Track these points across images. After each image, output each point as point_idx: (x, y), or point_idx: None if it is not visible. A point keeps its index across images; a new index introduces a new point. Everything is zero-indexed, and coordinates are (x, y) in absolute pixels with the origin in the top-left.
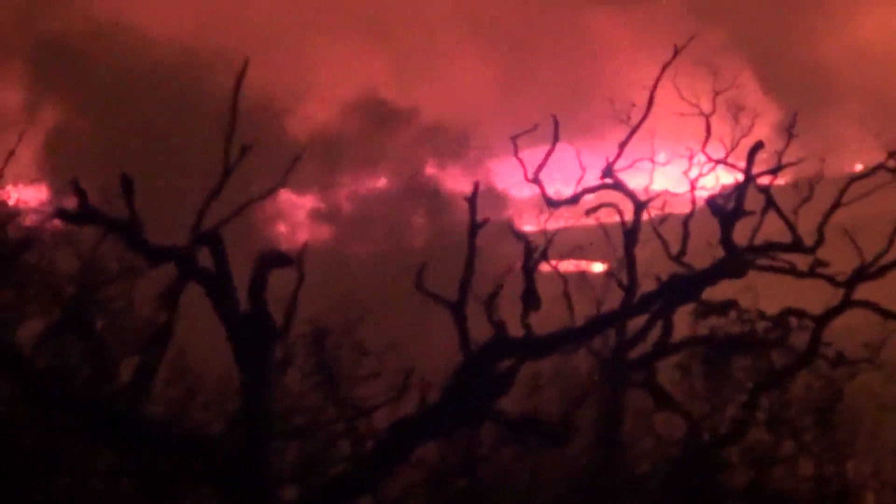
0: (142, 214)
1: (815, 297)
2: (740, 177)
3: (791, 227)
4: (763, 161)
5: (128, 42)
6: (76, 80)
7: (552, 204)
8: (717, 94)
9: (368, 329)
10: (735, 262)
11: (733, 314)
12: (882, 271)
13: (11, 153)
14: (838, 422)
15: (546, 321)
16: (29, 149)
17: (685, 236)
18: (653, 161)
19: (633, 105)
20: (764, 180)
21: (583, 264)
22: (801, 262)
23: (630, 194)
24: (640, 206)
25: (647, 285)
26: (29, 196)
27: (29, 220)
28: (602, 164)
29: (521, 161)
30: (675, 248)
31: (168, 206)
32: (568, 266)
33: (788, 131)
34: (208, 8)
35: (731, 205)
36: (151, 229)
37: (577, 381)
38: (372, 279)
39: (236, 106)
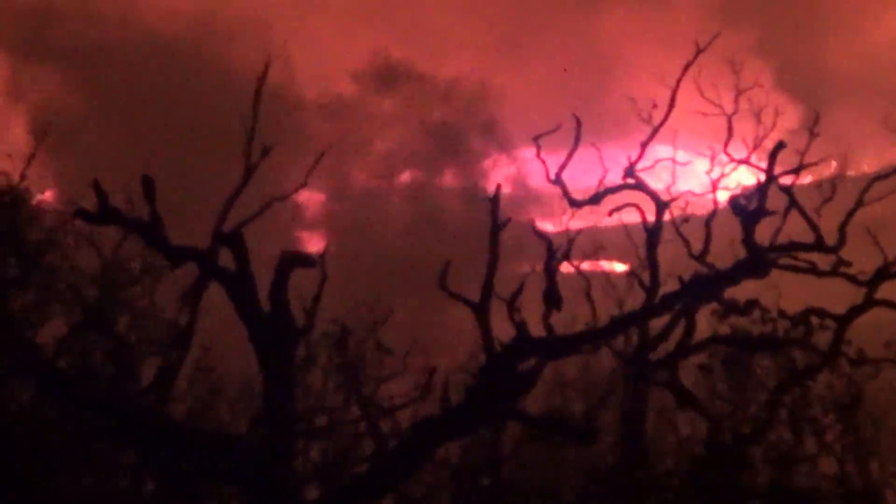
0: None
1: (837, 296)
2: (762, 177)
3: (813, 226)
4: (785, 161)
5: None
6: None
7: (574, 204)
8: (739, 93)
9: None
10: (757, 261)
11: (755, 314)
12: None
13: (32, 156)
14: (861, 420)
15: (568, 321)
16: (49, 147)
17: (707, 236)
18: (675, 161)
19: (655, 105)
20: (786, 180)
21: (605, 264)
22: (824, 261)
23: (652, 194)
24: (662, 206)
25: (669, 285)
26: (51, 196)
27: (51, 221)
28: (624, 164)
29: (543, 161)
30: (697, 248)
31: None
32: (590, 266)
33: (810, 131)
34: None
35: (753, 205)
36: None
37: (600, 380)
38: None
39: (258, 107)
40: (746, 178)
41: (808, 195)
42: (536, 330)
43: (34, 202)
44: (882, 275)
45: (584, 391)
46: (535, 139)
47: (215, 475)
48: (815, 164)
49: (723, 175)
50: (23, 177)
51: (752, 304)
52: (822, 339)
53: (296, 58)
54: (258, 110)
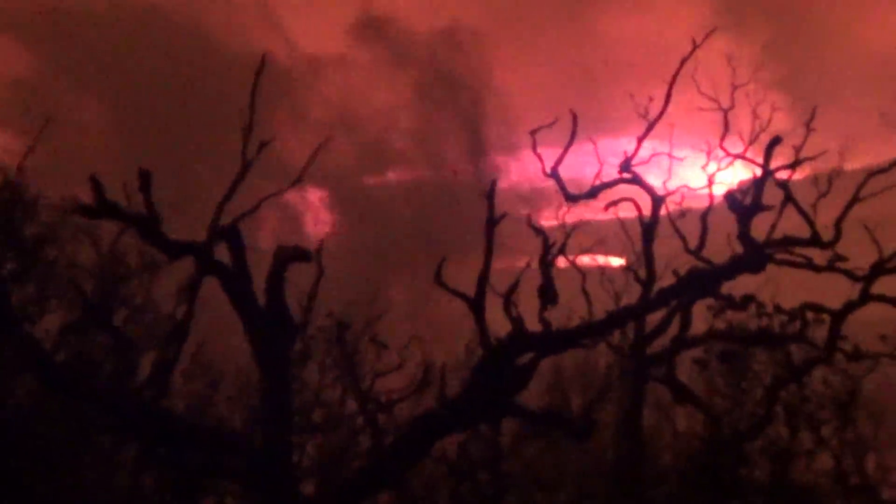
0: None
1: (834, 291)
2: (758, 172)
3: (809, 221)
4: (781, 156)
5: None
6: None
7: (570, 198)
8: (735, 89)
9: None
10: (753, 256)
11: (751, 309)
12: None
13: (31, 148)
14: (858, 416)
15: (565, 316)
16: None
17: (703, 231)
18: (671, 156)
19: (651, 100)
20: (782, 175)
21: (601, 259)
22: (820, 256)
23: (648, 189)
24: (658, 201)
25: (665, 280)
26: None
27: (49, 215)
28: (620, 159)
29: (539, 156)
30: (693, 243)
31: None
32: (586, 261)
33: (807, 126)
34: None
35: (749, 200)
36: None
37: (598, 375)
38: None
39: (255, 102)
40: (743, 173)
41: (805, 190)
42: (533, 325)
43: (32, 196)
44: (878, 270)
45: (582, 386)
46: (532, 133)
47: (214, 470)
48: (812, 158)
49: (719, 170)
50: (20, 170)
51: (748, 299)
52: (819, 334)
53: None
54: (255, 107)
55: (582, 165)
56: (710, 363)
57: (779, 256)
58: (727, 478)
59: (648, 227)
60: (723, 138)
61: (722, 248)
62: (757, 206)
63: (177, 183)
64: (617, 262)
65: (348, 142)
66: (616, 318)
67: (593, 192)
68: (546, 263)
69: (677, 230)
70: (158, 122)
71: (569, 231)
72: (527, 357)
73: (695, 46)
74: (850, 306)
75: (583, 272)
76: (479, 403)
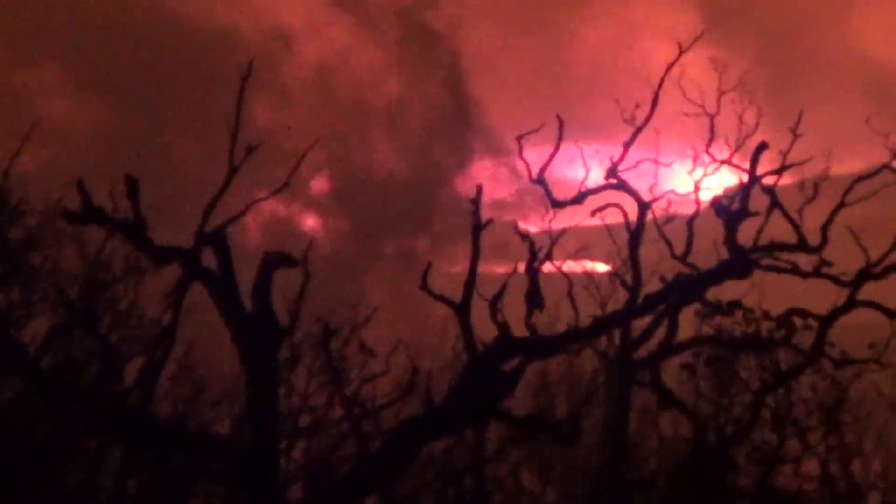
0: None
1: (820, 297)
2: (745, 177)
3: (796, 227)
4: (768, 161)
5: None
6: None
7: (556, 204)
8: (721, 94)
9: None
10: (740, 262)
11: (738, 314)
12: (887, 271)
13: (17, 153)
14: (844, 422)
15: (552, 322)
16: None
17: (690, 237)
18: (657, 161)
19: (638, 105)
20: (769, 180)
21: (588, 265)
22: (807, 262)
23: (634, 195)
24: (644, 207)
25: (651, 286)
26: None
27: (34, 220)
28: (607, 165)
29: (525, 161)
30: (679, 249)
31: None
32: (573, 266)
33: (793, 131)
34: None
35: (735, 205)
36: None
37: (584, 381)
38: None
39: (241, 107)
40: (729, 178)
41: (791, 196)
42: (519, 330)
43: (17, 200)
44: (864, 275)
45: (568, 391)
46: (518, 139)
47: (200, 474)
48: (798, 164)
49: (705, 176)
50: (6, 174)
51: (734, 304)
52: (807, 339)
53: None
54: (241, 113)
55: (570, 171)
56: (697, 369)
57: (765, 262)
58: (713, 483)
59: (635, 233)
60: (709, 144)
61: (708, 253)
62: (743, 212)
63: (166, 185)
64: (603, 267)
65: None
66: (602, 324)
67: (580, 198)
68: (532, 269)
69: (664, 236)
70: (125, 99)
71: (555, 237)
72: (513, 362)
73: (681, 52)
74: (836, 312)
75: (569, 278)
76: (465, 409)
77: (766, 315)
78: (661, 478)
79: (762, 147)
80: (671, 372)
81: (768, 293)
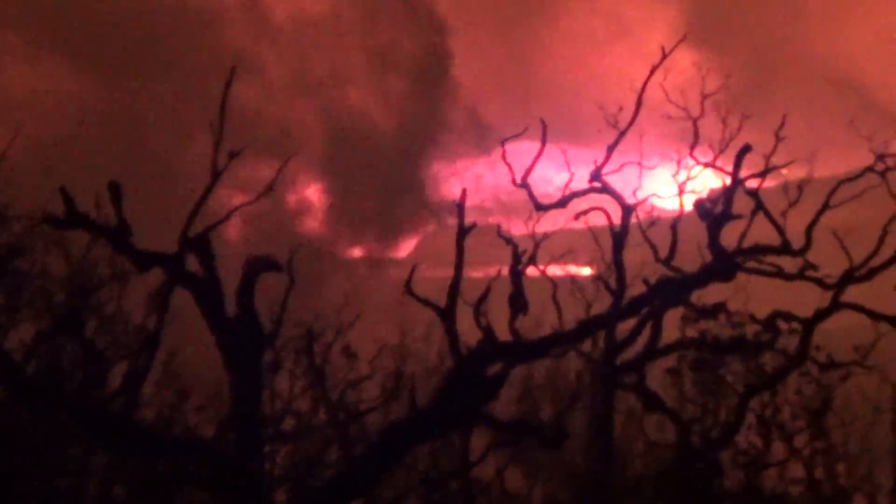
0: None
1: (804, 299)
2: (728, 180)
3: (780, 230)
4: (752, 164)
5: None
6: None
7: (540, 207)
8: (704, 97)
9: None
10: (723, 265)
11: (723, 317)
12: (871, 274)
13: (2, 156)
14: (830, 425)
15: (536, 325)
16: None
17: (674, 240)
18: (641, 165)
19: (622, 108)
20: (752, 183)
21: (572, 268)
22: (791, 265)
23: (618, 198)
24: (628, 210)
25: (635, 289)
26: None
27: (19, 226)
28: (591, 168)
29: (509, 165)
30: (663, 252)
31: None
32: (556, 270)
33: (776, 134)
34: None
35: (718, 208)
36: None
37: (569, 384)
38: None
39: (224, 113)
40: (713, 181)
41: (775, 199)
42: (503, 334)
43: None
44: (848, 278)
45: (553, 395)
46: (502, 142)
47: (185, 479)
48: (782, 167)
49: (689, 179)
50: None
51: (719, 307)
52: (791, 342)
53: None
54: (224, 118)
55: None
56: (682, 372)
57: (749, 265)
58: (699, 487)
59: (619, 237)
60: (693, 147)
61: (693, 257)
62: (727, 215)
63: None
64: (587, 271)
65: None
66: (586, 328)
67: (563, 202)
68: (516, 273)
69: (648, 239)
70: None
71: (539, 240)
72: (497, 366)
73: (664, 55)
74: (820, 314)
75: (553, 281)
76: (450, 413)
77: (751, 318)
78: (646, 481)
79: (745, 150)
80: (656, 375)
81: (753, 296)
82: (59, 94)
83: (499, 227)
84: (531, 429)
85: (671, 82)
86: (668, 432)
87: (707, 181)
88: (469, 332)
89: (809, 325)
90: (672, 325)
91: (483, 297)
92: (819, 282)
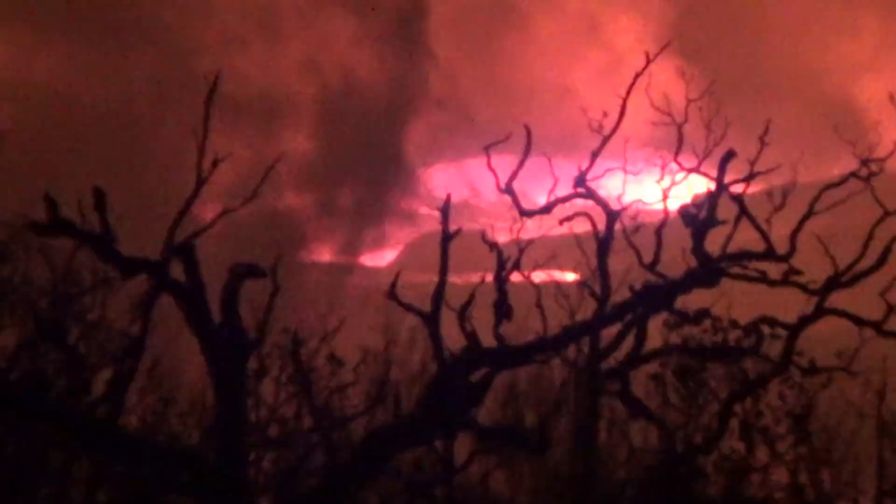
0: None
1: (788, 305)
2: (713, 186)
3: (764, 235)
4: (736, 169)
5: None
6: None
7: (525, 213)
8: (689, 102)
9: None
10: (708, 271)
11: (706, 323)
12: (856, 279)
13: None
14: (813, 430)
15: (520, 331)
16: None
17: (658, 246)
18: (625, 170)
19: (606, 114)
20: (737, 189)
21: (556, 274)
22: (775, 270)
23: (603, 204)
24: (612, 216)
25: (620, 295)
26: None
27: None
28: (575, 174)
29: (493, 171)
30: (648, 258)
31: None
32: (541, 276)
33: (761, 139)
34: None
35: (703, 214)
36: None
37: (553, 390)
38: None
39: (208, 119)
40: (698, 187)
41: (759, 204)
42: (487, 340)
43: None
44: (833, 284)
45: (537, 401)
46: (486, 148)
47: (169, 486)
48: (766, 172)
49: (673, 184)
50: None
51: (702, 313)
52: (775, 348)
53: None
54: (208, 125)
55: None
56: (666, 378)
57: (733, 270)
58: (682, 493)
59: (603, 242)
60: (677, 153)
61: (677, 262)
62: (711, 221)
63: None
64: (572, 277)
65: None
66: (571, 334)
67: (548, 208)
68: (500, 279)
69: (632, 245)
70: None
71: (523, 246)
72: (481, 372)
73: (648, 61)
74: (805, 320)
75: (537, 287)
76: (434, 419)
77: (735, 324)
78: (630, 487)
79: (730, 155)
80: (640, 381)
81: (736, 302)
82: (39, 84)
83: (483, 232)
84: (515, 435)
85: (656, 89)
86: (652, 438)
87: (692, 187)
88: (454, 338)
89: (794, 331)
90: (655, 330)
91: (468, 303)
92: (803, 287)
